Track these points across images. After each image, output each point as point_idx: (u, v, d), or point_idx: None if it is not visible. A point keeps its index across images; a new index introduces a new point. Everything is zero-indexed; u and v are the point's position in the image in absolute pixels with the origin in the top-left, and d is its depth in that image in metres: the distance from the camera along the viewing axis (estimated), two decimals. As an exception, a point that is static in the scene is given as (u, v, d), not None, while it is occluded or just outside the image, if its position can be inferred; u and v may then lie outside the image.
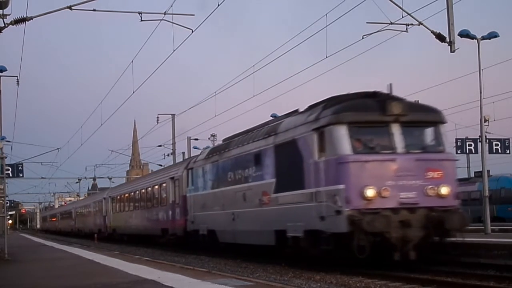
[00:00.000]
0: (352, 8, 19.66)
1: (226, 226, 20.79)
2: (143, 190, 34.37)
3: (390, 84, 14.99)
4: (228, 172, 20.47)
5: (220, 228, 21.40)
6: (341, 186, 13.76)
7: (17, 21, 17.53)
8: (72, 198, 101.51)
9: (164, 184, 29.46)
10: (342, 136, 14.07)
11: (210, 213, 22.19)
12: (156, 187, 31.32)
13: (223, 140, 23.33)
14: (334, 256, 14.74)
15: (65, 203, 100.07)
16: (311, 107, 16.21)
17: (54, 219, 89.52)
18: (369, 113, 14.32)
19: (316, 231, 14.77)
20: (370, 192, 13.52)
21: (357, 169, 13.81)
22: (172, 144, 46.01)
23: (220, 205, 21.14)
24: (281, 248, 17.11)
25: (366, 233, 13.08)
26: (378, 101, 14.55)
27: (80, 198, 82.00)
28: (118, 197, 41.94)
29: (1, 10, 18.32)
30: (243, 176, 19.17)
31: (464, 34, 22.03)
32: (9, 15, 18.34)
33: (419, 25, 19.23)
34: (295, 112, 17.67)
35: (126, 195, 39.21)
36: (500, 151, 32.33)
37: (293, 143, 15.85)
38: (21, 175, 26.10)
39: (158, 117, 43.66)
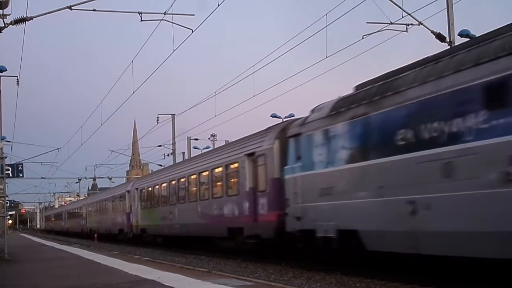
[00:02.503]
0: (352, 8, 19.61)
1: (390, 225, 12.52)
2: (195, 176, 25.48)
3: None
4: (400, 130, 12.09)
5: (371, 227, 13.03)
6: None
7: (17, 21, 17.55)
8: (72, 198, 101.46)
9: (235, 165, 20.96)
10: None
11: (346, 202, 13.78)
12: (220, 170, 22.49)
13: (357, 88, 14.62)
14: None
15: (65, 202, 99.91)
16: None
17: (60, 218, 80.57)
18: None
19: None
20: None
21: None
22: (172, 144, 45.98)
23: (374, 188, 12.86)
24: None
25: None
26: None
27: (81, 198, 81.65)
28: (150, 188, 32.96)
29: (1, 10, 18.34)
30: (449, 132, 10.86)
31: (464, 34, 21.98)
32: (9, 15, 18.39)
33: (419, 25, 19.26)
34: None
35: (164, 184, 30.10)
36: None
37: None
38: (21, 175, 25.95)
39: (158, 117, 43.62)
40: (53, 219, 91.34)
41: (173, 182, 28.61)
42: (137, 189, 35.70)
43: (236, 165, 20.93)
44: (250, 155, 19.73)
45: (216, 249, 24.89)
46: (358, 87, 14.59)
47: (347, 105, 14.13)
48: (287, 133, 17.34)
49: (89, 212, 55.13)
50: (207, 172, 23.98)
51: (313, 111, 16.10)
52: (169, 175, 29.98)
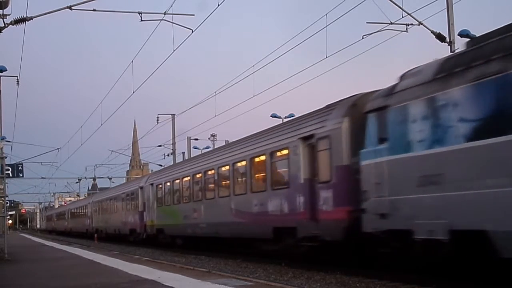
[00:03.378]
0: (352, 8, 19.59)
1: None
2: (227, 168, 21.87)
3: None
4: None
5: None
6: None
7: (17, 21, 17.55)
8: (72, 198, 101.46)
9: (283, 152, 17.60)
10: None
11: (467, 193, 10.29)
12: (262, 158, 19.06)
13: (472, 44, 11.32)
14: None
15: (65, 202, 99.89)
16: None
17: (63, 218, 77.42)
18: None
19: None
20: None
21: None
22: (172, 144, 45.97)
23: None
24: None
25: None
26: None
27: (80, 198, 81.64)
28: (169, 183, 28.96)
29: (1, 10, 18.35)
30: None
31: (464, 34, 21.98)
32: (9, 15, 18.39)
33: (419, 25, 19.26)
34: None
35: (187, 178, 26.33)
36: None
37: None
38: (21, 175, 25.91)
39: (158, 117, 43.59)
40: (55, 219, 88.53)
41: (198, 176, 24.80)
42: (152, 184, 31.61)
43: (285, 152, 17.37)
44: (306, 138, 16.16)
45: (256, 253, 20.42)
46: (474, 43, 11.28)
47: (466, 63, 10.67)
48: (362, 108, 13.84)
49: (95, 211, 50.81)
50: (244, 162, 20.36)
51: (403, 77, 12.66)
52: (193, 167, 26.06)
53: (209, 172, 23.63)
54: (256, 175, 19.71)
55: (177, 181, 27.71)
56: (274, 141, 18.37)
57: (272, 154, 18.34)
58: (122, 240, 38.49)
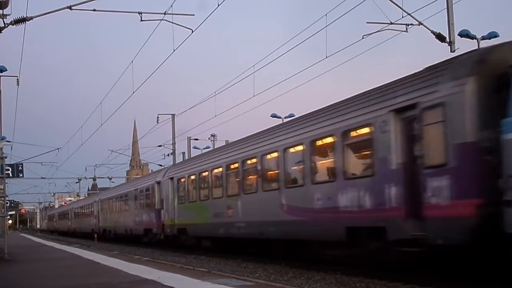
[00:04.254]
0: (352, 8, 19.55)
1: None
2: (275, 155, 18.20)
3: None
4: None
5: None
6: None
7: (17, 21, 17.54)
8: (72, 198, 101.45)
9: (362, 130, 13.95)
10: None
11: None
12: (329, 141, 15.28)
13: None
14: None
15: (65, 202, 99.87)
16: None
17: (65, 218, 73.75)
18: None
19: None
20: None
21: None
22: (172, 144, 45.95)
23: None
24: None
25: None
26: None
27: (81, 198, 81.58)
28: (194, 176, 25.35)
29: (1, 10, 18.34)
30: None
31: (464, 34, 22.05)
32: (9, 15, 18.36)
33: (419, 25, 19.23)
34: None
35: (218, 170, 22.58)
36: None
37: None
38: (21, 175, 25.88)
39: (158, 117, 43.55)
40: (57, 219, 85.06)
41: (234, 166, 21.18)
42: (172, 179, 27.88)
43: (365, 130, 13.74)
44: (402, 110, 12.57)
45: (319, 259, 16.57)
46: None
47: None
48: (495, 64, 11.02)
49: (102, 210, 47.00)
50: (300, 147, 16.67)
51: None
52: (226, 157, 22.18)
53: (249, 162, 19.93)
54: (320, 162, 15.96)
55: (205, 173, 23.92)
56: (347, 117, 14.39)
57: (345, 134, 14.37)
58: (134, 241, 35.28)
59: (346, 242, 14.22)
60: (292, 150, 17.33)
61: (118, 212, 41.08)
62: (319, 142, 15.91)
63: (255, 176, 19.56)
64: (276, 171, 18.17)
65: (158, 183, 30.30)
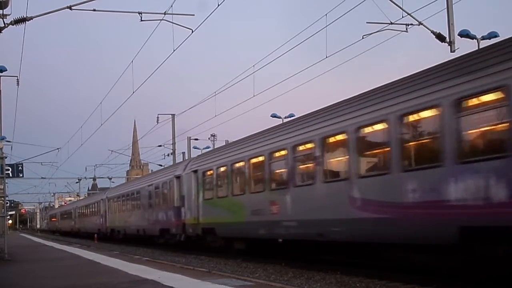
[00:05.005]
0: (352, 8, 19.54)
1: None
2: (341, 137, 14.73)
3: None
4: None
5: None
6: None
7: (17, 21, 17.55)
8: (72, 198, 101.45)
9: (487, 98, 10.50)
10: None
11: None
12: (427, 115, 12.03)
13: None
14: None
15: (65, 202, 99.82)
16: None
17: (69, 217, 70.29)
18: None
19: None
20: None
21: None
22: (172, 144, 45.98)
23: None
24: None
25: None
26: None
27: (81, 198, 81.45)
28: (224, 168, 21.65)
29: (1, 10, 18.34)
30: None
31: (464, 34, 22.04)
32: (9, 15, 18.38)
33: (419, 25, 19.24)
34: None
35: (258, 159, 19.04)
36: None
37: None
38: (21, 175, 25.85)
39: (158, 117, 43.59)
40: (60, 218, 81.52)
41: (280, 154, 17.62)
42: (196, 171, 24.52)
43: (495, 96, 10.26)
44: None
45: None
46: None
47: None
48: None
49: (110, 209, 43.77)
50: (380, 126, 13.16)
51: None
52: (268, 143, 18.45)
53: (302, 148, 16.48)
54: (413, 143, 12.39)
55: (240, 164, 20.39)
56: (463, 80, 10.94)
57: (460, 103, 10.90)
58: (148, 242, 32.35)
59: (458, 245, 11.00)
60: (368, 129, 13.70)
61: (128, 210, 37.53)
62: (412, 118, 12.21)
63: (311, 164, 15.90)
64: (343, 158, 14.58)
65: (178, 177, 26.84)
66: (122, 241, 37.81)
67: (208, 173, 23.35)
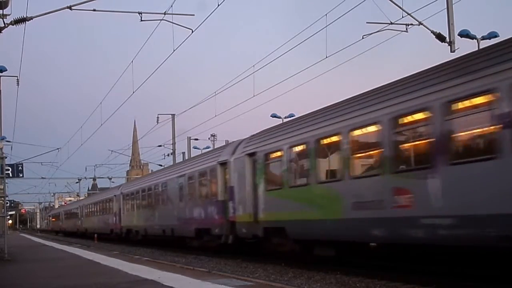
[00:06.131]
0: (352, 8, 19.53)
1: None
2: None
3: None
4: None
5: None
6: None
7: (17, 21, 17.55)
8: (72, 198, 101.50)
9: None
10: None
11: None
12: None
13: None
14: None
15: (65, 202, 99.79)
16: None
17: (74, 216, 65.00)
18: None
19: None
20: None
21: None
22: (172, 144, 45.99)
23: None
24: None
25: None
26: None
27: (80, 198, 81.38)
28: (302, 146, 16.46)
29: (1, 10, 18.35)
30: None
31: (464, 34, 22.05)
32: (9, 15, 18.39)
33: (419, 25, 19.25)
34: None
35: (364, 130, 13.75)
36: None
37: None
38: (21, 175, 25.83)
39: (158, 117, 43.60)
40: (64, 218, 76.74)
41: (415, 118, 12.10)
42: (252, 155, 19.00)
43: None
44: None
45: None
46: None
47: None
48: None
49: (126, 205, 38.28)
50: None
51: None
52: (388, 104, 12.86)
53: (462, 105, 10.86)
54: None
55: (331, 139, 14.95)
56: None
57: None
58: (178, 245, 27.55)
59: None
60: None
61: (151, 207, 31.68)
62: None
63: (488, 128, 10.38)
64: None
65: (223, 164, 21.69)
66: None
67: (274, 155, 17.81)
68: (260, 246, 19.10)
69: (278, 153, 17.53)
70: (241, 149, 20.38)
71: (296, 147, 16.68)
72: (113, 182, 72.35)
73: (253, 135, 20.54)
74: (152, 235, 31.70)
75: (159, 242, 30.77)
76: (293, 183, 16.75)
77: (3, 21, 18.03)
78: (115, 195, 42.11)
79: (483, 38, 22.59)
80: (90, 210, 54.12)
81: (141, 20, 19.11)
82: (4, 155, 24.67)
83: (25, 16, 17.62)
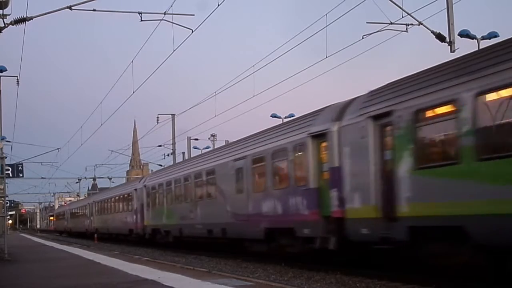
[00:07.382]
0: (352, 8, 19.54)
1: None
2: None
3: None
4: None
5: None
6: None
7: (17, 21, 17.56)
8: (72, 198, 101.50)
9: None
10: None
11: None
12: None
13: None
14: None
15: (65, 203, 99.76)
16: None
17: (82, 215, 58.68)
18: None
19: None
20: None
21: None
22: (172, 144, 45.99)
23: None
24: None
25: None
26: None
27: (81, 198, 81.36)
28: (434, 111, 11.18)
29: (1, 10, 18.35)
30: None
31: (464, 34, 22.06)
32: (9, 15, 18.39)
33: (419, 25, 19.25)
34: None
35: None
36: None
37: None
38: (21, 175, 25.83)
39: (158, 117, 43.59)
40: (69, 217, 70.73)
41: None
42: (382, 116, 12.75)
43: None
44: None
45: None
46: None
47: None
48: None
49: (151, 200, 32.10)
50: None
51: None
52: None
53: None
54: None
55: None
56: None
57: None
58: (233, 250, 21.66)
59: None
60: None
61: (188, 201, 25.55)
62: None
63: None
64: None
65: (317, 136, 15.45)
66: (123, 241, 33.12)
67: (436, 111, 11.41)
68: (398, 253, 12.79)
69: (447, 108, 11.10)
70: (356, 111, 13.92)
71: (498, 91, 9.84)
72: (113, 182, 72.36)
73: (378, 89, 13.72)
74: (190, 237, 25.83)
75: (201, 246, 25.02)
76: (490, 152, 9.98)
77: (3, 21, 18.05)
78: (135, 189, 35.67)
79: (483, 38, 22.60)
80: (102, 207, 47.43)
81: (141, 20, 19.12)
82: (4, 155, 24.67)
83: (25, 16, 17.62)
